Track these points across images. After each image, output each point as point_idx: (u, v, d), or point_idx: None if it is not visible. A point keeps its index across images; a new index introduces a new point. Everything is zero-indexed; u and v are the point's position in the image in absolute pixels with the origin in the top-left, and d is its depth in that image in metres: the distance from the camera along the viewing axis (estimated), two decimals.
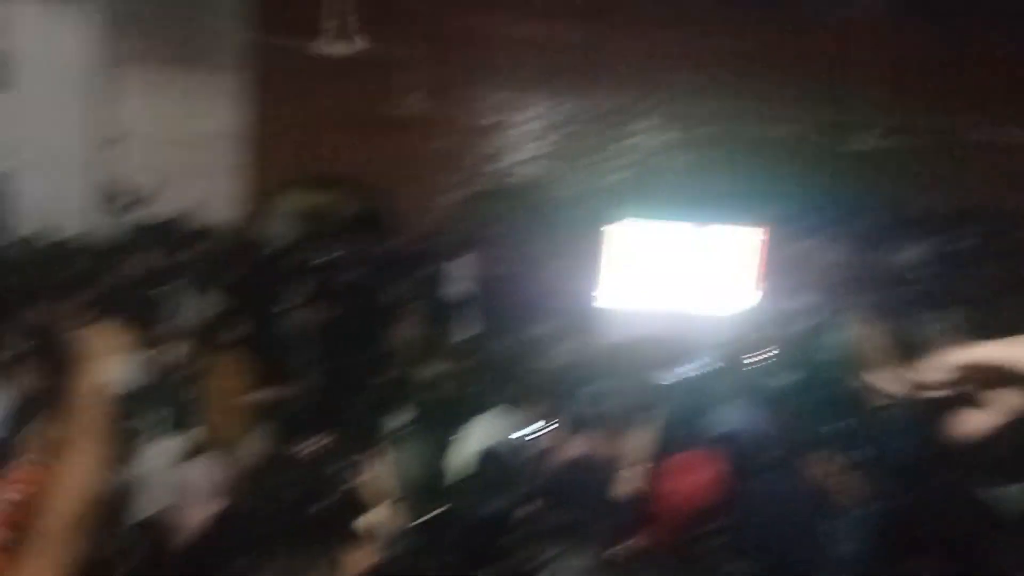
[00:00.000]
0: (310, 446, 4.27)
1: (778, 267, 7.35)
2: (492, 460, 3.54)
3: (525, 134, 11.39)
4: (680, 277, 7.59)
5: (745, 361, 5.22)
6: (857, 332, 3.18)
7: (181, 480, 4.26)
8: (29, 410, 3.33)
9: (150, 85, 10.15)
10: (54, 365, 3.51)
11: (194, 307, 6.24)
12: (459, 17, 10.74)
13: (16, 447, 2.61)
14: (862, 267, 8.33)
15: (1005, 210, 9.52)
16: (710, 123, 11.04)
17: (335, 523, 3.52)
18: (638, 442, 3.50)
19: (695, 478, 3.30)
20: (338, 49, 6.39)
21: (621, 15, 10.83)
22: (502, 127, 11.35)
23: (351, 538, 3.31)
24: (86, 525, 1.67)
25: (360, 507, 3.43)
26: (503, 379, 5.33)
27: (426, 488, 4.08)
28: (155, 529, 4.17)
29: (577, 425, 4.16)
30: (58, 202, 7.01)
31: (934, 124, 10.44)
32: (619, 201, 8.52)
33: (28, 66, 7.33)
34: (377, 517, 3.34)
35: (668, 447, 3.62)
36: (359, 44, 8.66)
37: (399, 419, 4.97)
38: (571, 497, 3.04)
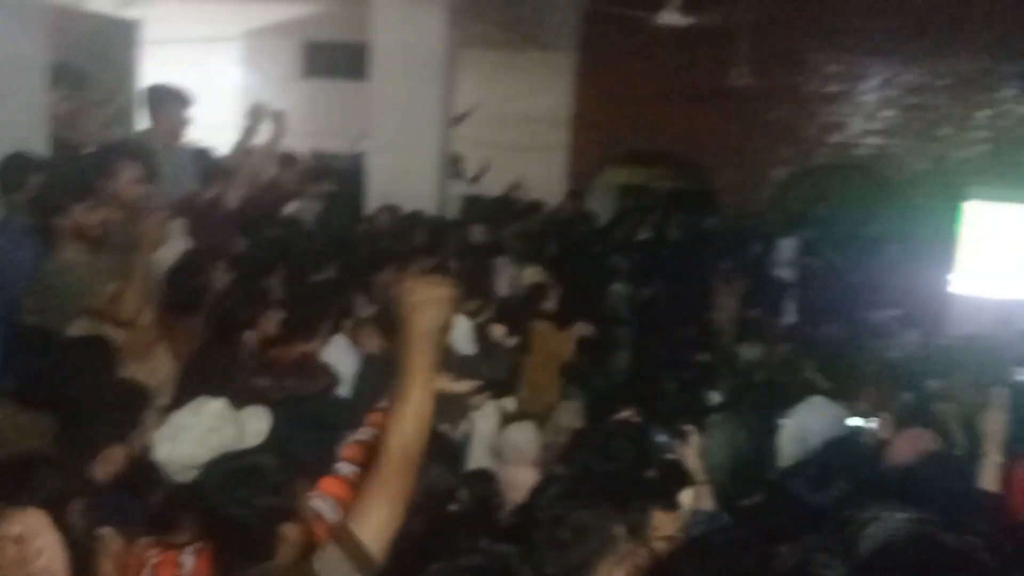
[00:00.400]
0: (627, 418, 4.29)
1: None
2: (834, 448, 3.37)
3: (869, 104, 10.53)
4: None
5: None
6: None
7: (503, 444, 4.46)
8: (375, 367, 3.63)
9: (489, 66, 10.76)
10: (395, 326, 3.80)
11: (518, 279, 6.51)
12: None
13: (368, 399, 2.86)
14: None
15: None
16: None
17: (651, 495, 3.52)
18: (987, 441, 3.14)
19: None
20: (674, 19, 6.30)
21: None
22: (844, 97, 10.58)
23: (668, 510, 3.30)
24: (419, 464, 1.79)
25: (677, 482, 3.40)
26: (831, 367, 5.05)
27: (740, 472, 3.93)
28: (480, 484, 4.43)
29: (916, 419, 3.85)
30: (405, 179, 7.63)
31: None
32: (977, 179, 7.63)
33: (382, 55, 8.00)
34: (687, 496, 3.28)
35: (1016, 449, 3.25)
36: (694, 15, 8.52)
37: (716, 399, 4.86)
38: (923, 492, 2.83)
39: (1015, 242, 6.78)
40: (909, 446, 3.46)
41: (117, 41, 8.94)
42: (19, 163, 3.61)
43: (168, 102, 4.57)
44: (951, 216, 6.97)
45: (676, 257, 7.78)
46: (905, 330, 6.56)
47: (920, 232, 8.08)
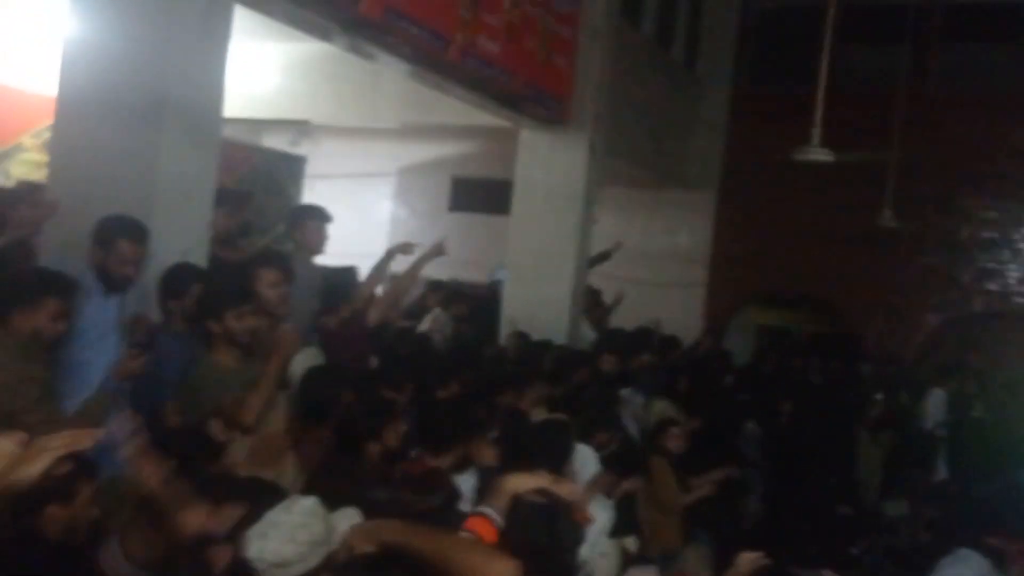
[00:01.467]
0: (755, 563, 4.05)
1: None
2: None
3: (1019, 253, 10.04)
4: None
5: None
6: None
7: None
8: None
9: (631, 204, 10.97)
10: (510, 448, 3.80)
11: (648, 413, 6.40)
12: (959, 125, 9.96)
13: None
14: None
15: None
16: None
17: None
18: None
19: None
20: (816, 157, 6.27)
21: None
22: (998, 244, 10.14)
23: None
24: None
25: None
26: (979, 524, 4.66)
27: None
28: None
29: None
30: (540, 311, 7.76)
31: None
32: None
33: (523, 190, 8.32)
34: None
35: None
36: (838, 152, 8.45)
37: (855, 552, 4.56)
38: None
39: None
40: None
41: (285, 174, 9.73)
42: (182, 272, 3.88)
43: (307, 218, 4.81)
44: None
45: (817, 401, 7.47)
46: None
47: None
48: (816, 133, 6.21)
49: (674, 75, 10.86)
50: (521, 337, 7.01)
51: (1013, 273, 10.09)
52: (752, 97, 11.00)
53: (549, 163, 8.24)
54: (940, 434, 7.81)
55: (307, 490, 3.02)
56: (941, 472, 7.23)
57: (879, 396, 7.97)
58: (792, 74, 9.40)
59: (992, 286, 10.18)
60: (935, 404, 8.21)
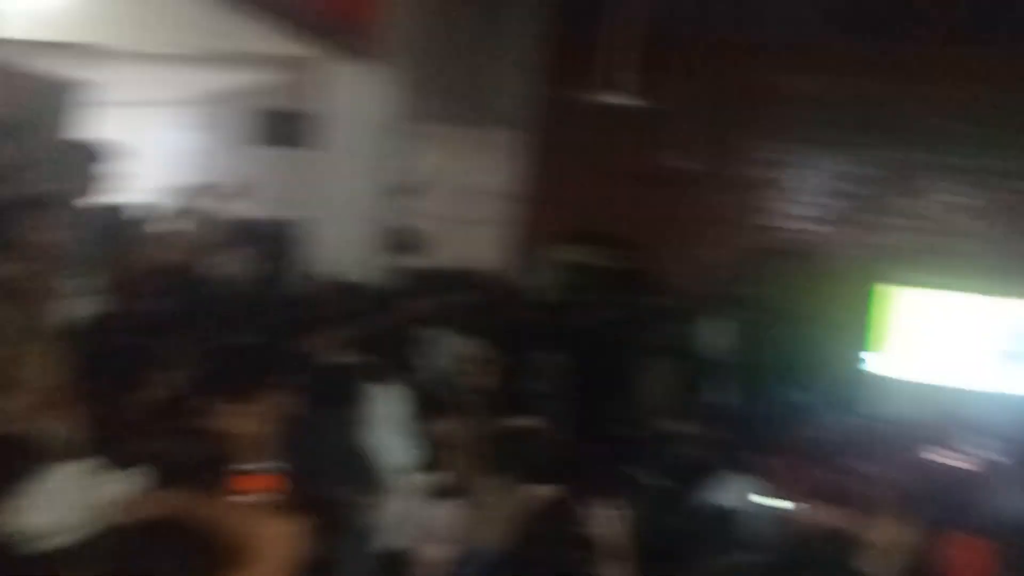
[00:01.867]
0: (550, 494, 4.26)
1: None
2: (724, 521, 3.36)
3: (800, 192, 10.88)
4: (963, 351, 6.85)
5: None
6: None
7: (423, 519, 4.40)
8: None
9: (438, 140, 10.92)
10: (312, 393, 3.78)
11: (453, 352, 6.50)
12: (738, 69, 10.54)
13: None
14: None
15: None
16: (1006, 185, 9.93)
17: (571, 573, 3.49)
18: (893, 524, 3.19)
19: (967, 567, 2.96)
20: (616, 99, 6.47)
21: (912, 68, 10.11)
22: (776, 184, 10.93)
23: None
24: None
25: (595, 560, 3.37)
26: (752, 444, 5.11)
27: (658, 547, 3.93)
28: (395, 561, 4.34)
29: (824, 497, 3.89)
30: (346, 247, 7.65)
31: None
32: (900, 267, 7.87)
33: (334, 125, 8.10)
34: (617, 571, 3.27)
35: (935, 531, 3.29)
36: (637, 96, 8.77)
37: (640, 474, 4.88)
38: (813, 570, 2.83)
39: (933, 329, 6.97)
40: (812, 523, 3.50)
41: (68, 103, 8.97)
42: None
43: (81, 154, 4.49)
44: (873, 301, 7.17)
45: (610, 332, 7.84)
46: (824, 410, 6.69)
47: (844, 316, 8.30)
48: (612, 75, 6.41)
49: (485, 11, 10.82)
50: (325, 277, 6.90)
51: (789, 212, 10.92)
52: (560, 37, 11.15)
53: (356, 96, 8.05)
54: (726, 361, 8.44)
55: (84, 449, 2.90)
56: (728, 396, 7.84)
57: (671, 327, 8.48)
58: (593, 16, 9.58)
59: (773, 223, 10.97)
60: (722, 333, 8.85)
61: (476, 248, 10.06)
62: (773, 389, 7.27)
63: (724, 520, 3.35)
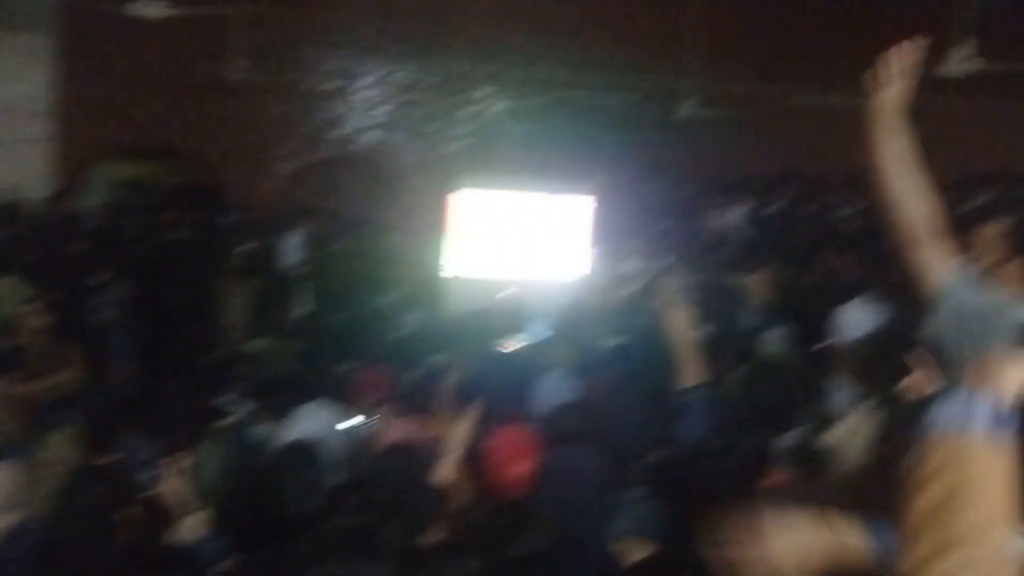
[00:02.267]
0: (115, 448, 3.94)
1: (608, 235, 7.49)
2: (297, 454, 3.25)
3: (363, 101, 11.08)
4: (517, 246, 7.61)
5: (575, 329, 5.30)
6: (668, 301, 3.19)
7: None
8: None
9: None
10: None
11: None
12: None
13: None
14: (685, 232, 8.63)
15: (819, 174, 10.05)
16: (545, 91, 11.07)
17: (141, 538, 3.20)
18: (462, 422, 3.34)
19: (510, 456, 3.26)
20: (152, 11, 5.92)
21: None
22: (339, 94, 10.99)
23: (162, 555, 3.04)
24: None
25: (164, 518, 3.11)
26: (339, 357, 5.15)
27: (237, 488, 3.75)
28: None
29: (407, 405, 4.05)
30: None
31: (756, 91, 10.85)
32: (459, 170, 8.43)
33: None
34: (190, 526, 3.03)
35: (492, 422, 3.52)
36: (180, 7, 8.16)
37: (226, 403, 4.70)
38: (380, 489, 2.86)
39: (496, 227, 7.61)
40: (383, 439, 3.65)
41: None
42: None
43: None
44: (442, 205, 7.62)
45: (179, 255, 7.43)
46: (407, 313, 7.05)
47: (416, 221, 8.76)
48: None
49: None
50: None
51: (354, 121, 11.10)
52: None
53: None
54: (300, 272, 8.46)
55: None
56: (304, 307, 7.89)
57: (244, 244, 8.26)
58: None
59: (336, 134, 11.08)
60: (293, 245, 8.83)
61: (13, 171, 8.90)
62: (353, 298, 7.47)
63: (308, 453, 3.21)
